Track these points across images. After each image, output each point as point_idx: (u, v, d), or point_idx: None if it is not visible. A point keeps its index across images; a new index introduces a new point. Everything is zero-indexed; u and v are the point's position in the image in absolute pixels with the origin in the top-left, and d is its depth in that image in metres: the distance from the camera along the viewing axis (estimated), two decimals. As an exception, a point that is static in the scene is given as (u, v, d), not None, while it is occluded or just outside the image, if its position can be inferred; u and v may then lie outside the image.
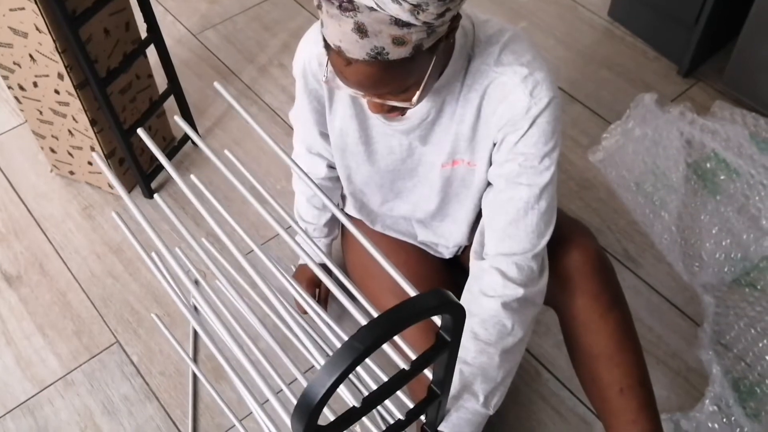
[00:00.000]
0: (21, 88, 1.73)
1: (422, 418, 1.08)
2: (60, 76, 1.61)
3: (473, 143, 1.16)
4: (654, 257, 1.77)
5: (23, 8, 1.48)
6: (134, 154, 1.82)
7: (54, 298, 1.75)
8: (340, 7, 0.87)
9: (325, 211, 1.50)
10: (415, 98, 0.99)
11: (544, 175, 1.10)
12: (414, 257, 1.44)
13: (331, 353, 0.98)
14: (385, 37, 0.88)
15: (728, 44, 2.17)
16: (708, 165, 1.64)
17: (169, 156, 2.00)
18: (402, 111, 1.08)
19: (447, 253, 1.44)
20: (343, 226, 1.55)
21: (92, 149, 1.80)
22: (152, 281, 1.76)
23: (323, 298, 1.62)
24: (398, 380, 0.79)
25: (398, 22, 0.86)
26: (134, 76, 1.81)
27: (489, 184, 1.20)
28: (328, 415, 0.77)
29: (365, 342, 0.65)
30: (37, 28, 1.51)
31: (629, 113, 1.73)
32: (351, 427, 0.80)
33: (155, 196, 1.07)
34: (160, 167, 1.97)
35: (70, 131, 1.78)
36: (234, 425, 1.53)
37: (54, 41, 1.53)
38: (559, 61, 2.25)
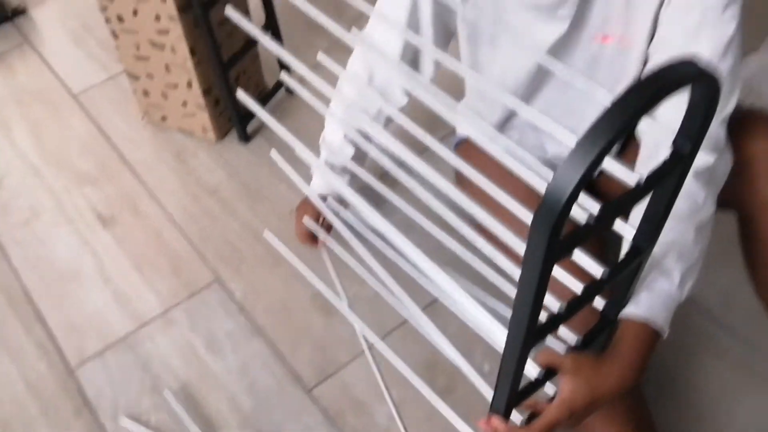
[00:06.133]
0: (119, 19, 1.66)
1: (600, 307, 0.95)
2: (163, -2, 1.55)
3: (628, 11, 1.03)
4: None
5: None
6: (231, 90, 1.73)
7: (149, 237, 1.66)
8: None
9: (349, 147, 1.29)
10: None
11: (729, 25, 0.96)
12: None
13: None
14: None
15: None
16: None
17: (263, 102, 1.91)
18: None
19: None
20: (458, 151, 1.44)
21: (189, 85, 1.73)
22: (252, 221, 1.66)
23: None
24: (631, 197, 0.67)
25: None
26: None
27: (642, 67, 1.07)
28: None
29: (628, 111, 0.53)
30: (144, -60, 1.45)
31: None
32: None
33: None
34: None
35: (166, 66, 1.71)
36: (355, 357, 1.41)
37: (160, -46, 1.46)
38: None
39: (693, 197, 0.96)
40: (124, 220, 1.70)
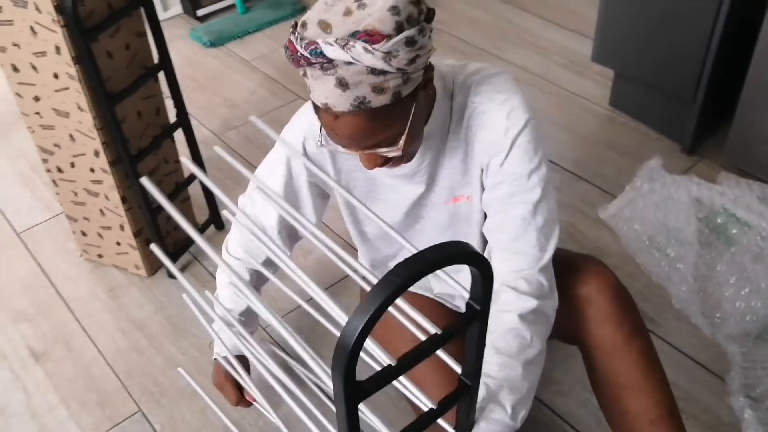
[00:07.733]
0: (59, 170, 1.83)
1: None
2: (96, 153, 1.72)
3: (467, 176, 1.21)
4: (673, 316, 1.77)
5: (67, 88, 1.61)
6: (161, 233, 1.89)
7: (79, 372, 1.76)
8: (321, 68, 0.95)
9: (241, 298, 1.31)
10: (401, 143, 1.04)
11: (535, 191, 1.15)
12: (433, 312, 1.45)
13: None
14: (365, 86, 0.95)
15: (729, 122, 2.27)
16: (719, 220, 1.68)
17: (192, 241, 2.06)
18: (398, 161, 1.12)
19: (464, 306, 1.44)
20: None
21: (121, 228, 1.88)
22: (176, 355, 1.78)
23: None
24: (432, 344, 0.81)
25: (374, 71, 0.94)
26: (162, 159, 1.92)
27: (485, 216, 1.25)
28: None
29: (402, 276, 0.68)
30: (79, 107, 1.63)
31: (638, 176, 1.80)
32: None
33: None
34: (184, 249, 2.03)
35: (101, 210, 1.87)
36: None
37: (93, 118, 1.64)
38: (564, 144, 2.35)
39: (521, 336, 1.11)
40: (56, 355, 1.80)
